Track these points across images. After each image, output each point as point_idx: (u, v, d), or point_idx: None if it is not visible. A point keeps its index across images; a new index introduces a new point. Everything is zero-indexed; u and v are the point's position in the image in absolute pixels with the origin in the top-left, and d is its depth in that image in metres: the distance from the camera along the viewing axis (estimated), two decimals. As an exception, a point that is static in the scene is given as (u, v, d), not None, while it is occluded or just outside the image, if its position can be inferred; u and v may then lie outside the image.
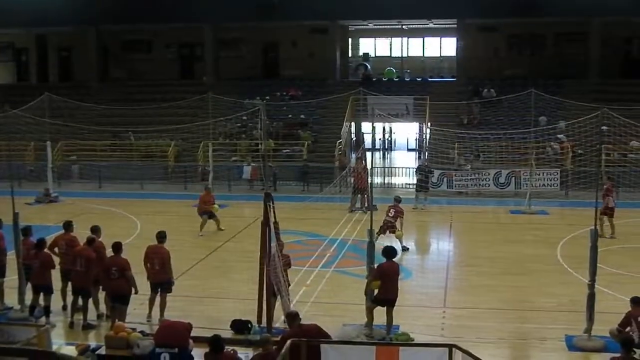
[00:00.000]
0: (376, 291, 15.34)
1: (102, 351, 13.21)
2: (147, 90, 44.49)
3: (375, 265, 15.60)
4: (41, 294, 16.37)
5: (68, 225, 17.63)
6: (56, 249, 17.32)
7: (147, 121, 40.07)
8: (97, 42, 47.38)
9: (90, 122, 39.72)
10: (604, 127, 30.19)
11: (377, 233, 19.61)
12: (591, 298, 14.89)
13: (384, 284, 15.22)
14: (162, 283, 16.33)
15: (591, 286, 14.88)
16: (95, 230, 17.07)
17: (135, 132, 39.84)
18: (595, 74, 41.86)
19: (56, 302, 16.77)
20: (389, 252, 15.66)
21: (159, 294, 16.32)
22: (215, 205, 26.08)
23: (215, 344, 11.60)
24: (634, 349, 13.05)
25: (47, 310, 16.24)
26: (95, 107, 41.18)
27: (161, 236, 16.73)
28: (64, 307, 16.85)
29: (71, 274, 16.33)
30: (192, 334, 12.60)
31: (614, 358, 11.90)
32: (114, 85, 46.77)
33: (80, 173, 38.02)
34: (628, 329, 13.72)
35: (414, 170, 33.04)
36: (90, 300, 16.23)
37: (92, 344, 14.30)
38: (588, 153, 32.43)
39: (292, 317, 12.24)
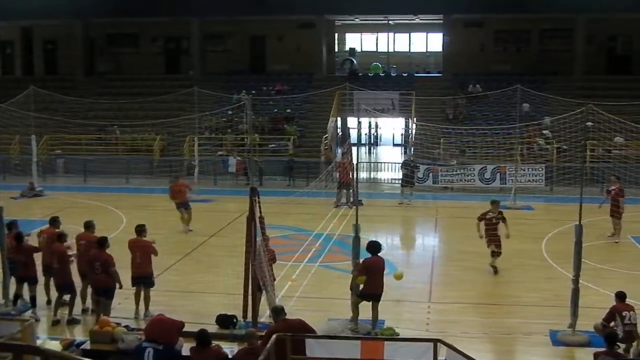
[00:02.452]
0: (362, 286, 15.37)
1: (87, 346, 13.19)
2: (133, 84, 44.37)
3: (361, 260, 15.63)
4: (25, 284, 16.40)
5: (54, 221, 17.59)
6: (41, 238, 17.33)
7: (133, 115, 39.98)
8: (83, 35, 47.21)
9: (75, 116, 39.61)
10: (589, 123, 30.36)
11: None
12: (575, 293, 14.97)
13: (369, 279, 15.25)
14: (142, 277, 16.30)
15: (575, 281, 14.96)
16: (88, 225, 17.03)
17: (120, 126, 39.74)
18: (580, 70, 42.04)
19: (41, 297, 16.74)
20: (374, 247, 15.68)
21: (142, 288, 16.33)
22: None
23: (201, 338, 11.59)
24: (618, 344, 13.16)
25: (32, 300, 16.26)
26: (81, 100, 41.00)
27: (140, 229, 16.70)
28: (48, 302, 16.81)
29: (51, 270, 16.32)
30: (177, 329, 12.58)
31: (598, 352, 11.97)
32: (100, 79, 46.56)
33: (65, 167, 37.85)
34: (612, 323, 13.81)
35: (400, 165, 33.09)
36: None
37: (77, 338, 14.27)
38: (573, 149, 32.56)
39: (277, 312, 12.24)
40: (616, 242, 22.99)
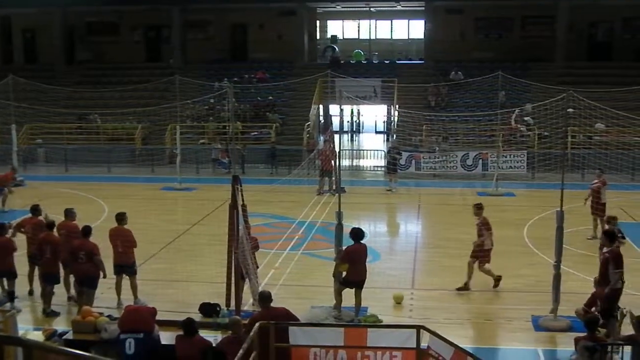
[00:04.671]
0: (344, 273, 15.39)
1: (70, 336, 13.11)
2: (114, 73, 44.13)
3: (344, 248, 15.65)
4: (4, 280, 16.28)
5: (35, 210, 17.50)
6: (22, 229, 17.22)
7: (114, 104, 39.83)
8: (62, 24, 46.87)
9: (56, 105, 39.40)
10: (570, 110, 30.39)
11: None
12: (557, 279, 15.06)
13: (352, 266, 15.27)
14: (124, 265, 16.27)
15: (557, 267, 15.05)
16: (68, 213, 16.95)
17: (101, 114, 39.51)
18: (562, 57, 42.15)
19: (24, 286, 16.66)
20: (357, 234, 15.69)
21: (124, 277, 16.28)
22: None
23: (188, 327, 11.58)
24: (599, 329, 13.24)
25: (11, 296, 16.11)
26: (61, 89, 40.76)
27: (120, 218, 16.64)
28: (30, 292, 16.74)
29: (37, 259, 16.20)
30: (161, 317, 12.57)
31: (579, 337, 12.05)
32: (80, 67, 46.30)
33: (46, 156, 37.66)
34: (593, 308, 13.91)
35: (385, 152, 33.16)
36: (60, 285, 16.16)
37: (59, 328, 14.20)
38: (554, 135, 32.69)
39: (264, 298, 12.22)
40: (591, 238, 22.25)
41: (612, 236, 14.52)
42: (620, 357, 11.72)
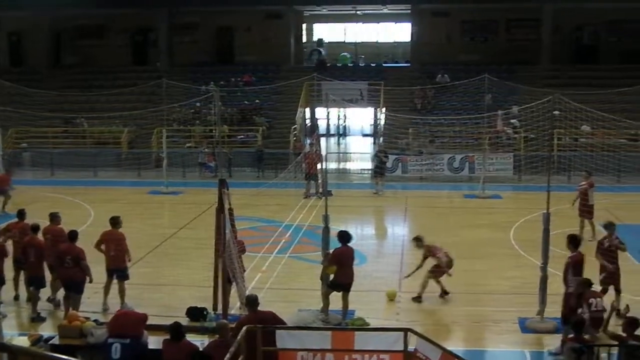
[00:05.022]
0: (332, 276, 15.38)
1: (56, 341, 13.06)
2: (100, 77, 43.97)
3: (331, 251, 15.64)
4: None
5: (21, 214, 17.43)
6: (9, 234, 17.13)
7: (100, 107, 39.71)
8: (48, 27, 46.70)
9: (42, 109, 39.18)
10: (556, 112, 30.51)
11: None
12: (544, 281, 15.11)
13: (339, 269, 15.27)
14: (117, 270, 16.21)
15: (544, 269, 15.10)
16: (53, 217, 16.88)
17: (88, 118, 39.36)
18: (547, 59, 42.31)
19: (9, 292, 16.57)
20: (344, 236, 15.69)
21: (114, 281, 16.22)
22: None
23: (175, 331, 11.55)
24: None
25: None
26: (47, 93, 40.59)
27: (115, 221, 16.58)
28: (16, 297, 16.66)
29: (22, 263, 16.12)
30: (148, 322, 12.51)
31: (568, 339, 12.08)
32: (66, 71, 46.10)
33: (32, 160, 37.46)
34: (580, 310, 13.94)
35: (371, 155, 33.19)
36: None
37: (45, 334, 14.13)
38: (540, 137, 32.79)
39: (251, 302, 12.20)
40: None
41: (575, 241, 14.62)
42: (606, 356, 11.78)
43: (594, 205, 22.46)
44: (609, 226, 16.96)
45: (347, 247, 15.64)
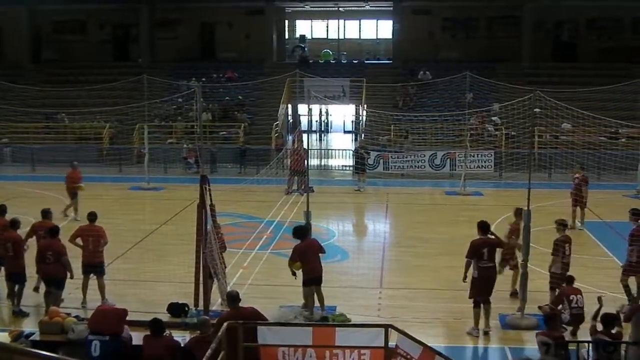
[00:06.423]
0: (301, 273, 15.35)
1: (37, 337, 13.03)
2: (81, 72, 43.76)
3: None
4: None
5: (1, 210, 17.33)
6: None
7: (81, 103, 39.52)
8: (28, 22, 46.42)
9: (22, 104, 38.94)
10: (537, 110, 30.62)
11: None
12: (524, 277, 15.20)
13: (306, 264, 15.24)
14: (94, 265, 16.18)
15: (524, 265, 15.20)
16: (45, 214, 16.82)
17: (69, 114, 39.16)
18: (528, 57, 42.57)
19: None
20: (301, 231, 15.68)
21: (91, 277, 16.17)
22: (82, 185, 25.81)
23: (155, 327, 11.54)
24: (564, 326, 13.42)
25: None
26: (28, 88, 40.35)
27: (92, 216, 16.54)
28: (-5, 293, 16.60)
29: (3, 259, 16.06)
30: (129, 317, 12.50)
31: (540, 333, 12.18)
32: (47, 66, 45.87)
33: (12, 156, 37.25)
34: (560, 307, 14.05)
35: (353, 152, 33.24)
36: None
37: (26, 329, 14.08)
38: (521, 135, 32.94)
39: (232, 298, 12.21)
40: (580, 229, 23.15)
41: (485, 228, 15.32)
42: (586, 352, 11.89)
43: (586, 196, 23.37)
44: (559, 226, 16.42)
45: (308, 241, 15.61)
